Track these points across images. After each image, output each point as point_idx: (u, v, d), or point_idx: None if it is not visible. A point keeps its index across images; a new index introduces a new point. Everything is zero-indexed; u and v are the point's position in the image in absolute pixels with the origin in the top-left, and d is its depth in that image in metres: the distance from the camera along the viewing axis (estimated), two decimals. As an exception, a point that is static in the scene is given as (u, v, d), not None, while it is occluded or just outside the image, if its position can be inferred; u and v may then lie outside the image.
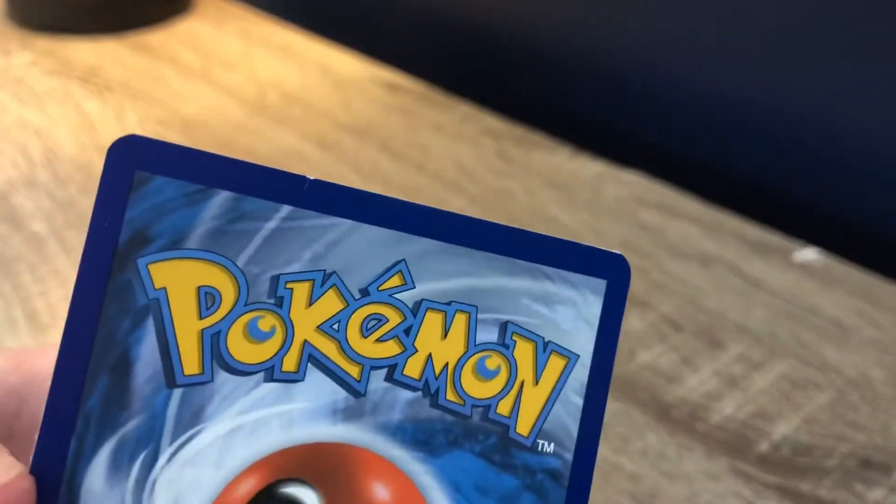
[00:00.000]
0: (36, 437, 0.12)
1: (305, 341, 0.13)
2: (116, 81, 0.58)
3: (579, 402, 0.14)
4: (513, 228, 0.14)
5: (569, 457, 0.14)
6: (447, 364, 0.14)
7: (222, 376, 0.12)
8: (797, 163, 0.50)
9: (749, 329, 0.40)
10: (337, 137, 0.53)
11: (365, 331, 0.13)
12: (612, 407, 0.35)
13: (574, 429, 0.15)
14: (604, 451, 0.33)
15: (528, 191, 0.49)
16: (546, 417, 0.14)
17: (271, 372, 0.12)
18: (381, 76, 0.60)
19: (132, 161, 0.12)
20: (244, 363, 0.12)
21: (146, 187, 0.11)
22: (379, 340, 0.13)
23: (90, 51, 0.61)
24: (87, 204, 0.45)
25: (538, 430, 0.14)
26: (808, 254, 0.44)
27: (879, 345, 0.39)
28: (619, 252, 0.15)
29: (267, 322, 0.13)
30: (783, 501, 0.32)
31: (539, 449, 0.14)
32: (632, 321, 0.40)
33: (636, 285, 0.42)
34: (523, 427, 0.14)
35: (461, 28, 0.63)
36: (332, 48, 0.63)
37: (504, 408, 0.14)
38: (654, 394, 0.36)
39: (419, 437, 0.13)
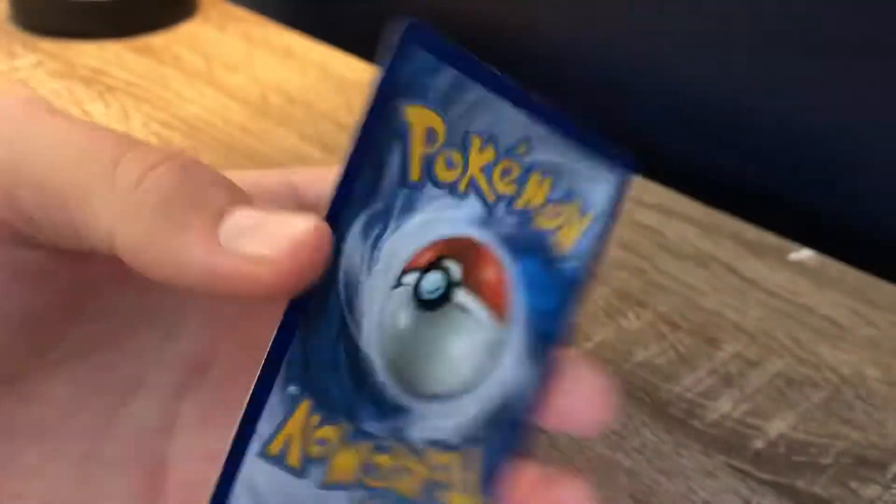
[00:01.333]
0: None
1: (472, 174, 0.20)
2: (120, 83, 0.58)
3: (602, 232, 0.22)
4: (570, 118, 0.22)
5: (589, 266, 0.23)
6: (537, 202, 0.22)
7: (429, 186, 0.20)
8: (794, 164, 0.51)
9: (745, 328, 0.40)
10: (338, 139, 0.53)
11: (501, 175, 0.21)
12: (610, 405, 0.36)
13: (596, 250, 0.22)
14: (601, 448, 0.34)
15: (527, 191, 0.49)
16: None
17: (453, 190, 0.20)
18: (383, 78, 0.60)
19: (414, 38, 0.19)
20: (441, 180, 0.20)
21: (413, 55, 0.19)
22: (507, 183, 0.21)
23: (94, 53, 0.62)
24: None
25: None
26: (804, 254, 0.45)
27: (874, 343, 0.40)
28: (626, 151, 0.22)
29: (455, 158, 0.20)
30: (779, 498, 0.32)
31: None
32: (629, 320, 0.40)
33: (634, 285, 0.42)
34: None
35: (461, 28, 0.63)
36: (333, 50, 0.63)
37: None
38: (651, 392, 0.36)
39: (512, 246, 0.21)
